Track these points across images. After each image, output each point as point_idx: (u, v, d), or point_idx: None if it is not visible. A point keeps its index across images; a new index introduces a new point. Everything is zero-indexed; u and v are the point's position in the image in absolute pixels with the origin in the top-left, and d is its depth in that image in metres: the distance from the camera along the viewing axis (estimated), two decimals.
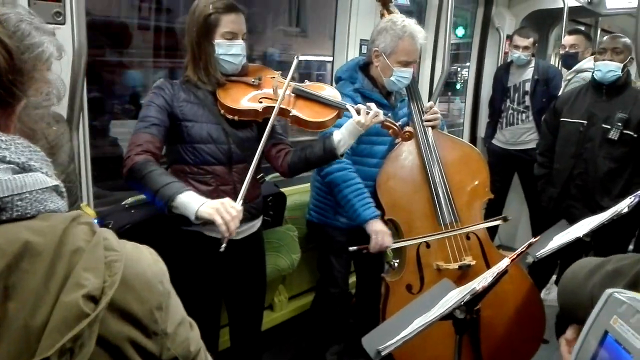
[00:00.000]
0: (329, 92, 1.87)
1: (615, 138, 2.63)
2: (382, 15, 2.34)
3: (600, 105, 2.72)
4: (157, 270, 0.66)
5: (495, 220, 2.20)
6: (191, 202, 1.48)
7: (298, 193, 2.57)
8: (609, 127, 2.65)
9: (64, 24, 1.69)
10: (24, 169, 0.59)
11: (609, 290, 0.70)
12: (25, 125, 0.69)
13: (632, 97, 2.67)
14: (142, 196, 2.08)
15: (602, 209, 2.66)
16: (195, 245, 1.79)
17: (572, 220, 2.63)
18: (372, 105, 1.79)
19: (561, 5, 3.88)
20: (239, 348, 2.07)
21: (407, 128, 1.89)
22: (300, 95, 1.80)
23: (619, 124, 2.62)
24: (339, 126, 1.82)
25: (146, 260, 0.65)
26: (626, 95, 2.68)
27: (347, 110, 1.80)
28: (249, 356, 2.08)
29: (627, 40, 2.73)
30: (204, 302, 1.86)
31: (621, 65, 2.64)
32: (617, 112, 2.64)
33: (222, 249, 1.46)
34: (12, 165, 0.58)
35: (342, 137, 1.79)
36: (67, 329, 0.53)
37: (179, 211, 1.50)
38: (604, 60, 2.67)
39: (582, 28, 5.15)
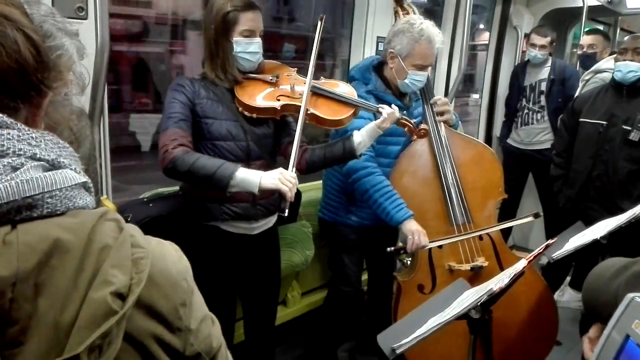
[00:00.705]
0: (345, 89, 1.89)
1: (636, 139, 2.59)
2: (395, 13, 2.32)
3: (620, 106, 2.69)
4: (181, 267, 0.66)
5: (527, 217, 2.17)
6: (250, 176, 1.59)
7: (313, 190, 2.58)
8: (629, 128, 2.62)
9: (86, 19, 1.71)
10: (53, 165, 0.60)
11: (630, 295, 0.71)
12: (51, 119, 0.70)
13: None
14: (160, 189, 2.12)
15: (622, 211, 2.63)
16: (213, 239, 1.81)
17: (590, 222, 2.61)
18: (389, 108, 1.82)
19: (580, 4, 3.83)
20: (253, 342, 2.09)
21: (422, 125, 1.89)
22: (317, 93, 1.82)
23: None
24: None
25: (171, 257, 0.66)
26: None
27: (366, 108, 1.83)
28: (263, 350, 2.10)
29: None
30: (220, 296, 1.88)
31: None
32: (638, 113, 2.61)
33: (285, 214, 1.58)
34: (42, 163, 0.58)
35: (362, 139, 1.83)
36: (96, 326, 0.53)
37: (239, 188, 1.60)
38: (624, 60, 2.64)
39: (601, 27, 5.10)
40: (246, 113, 1.75)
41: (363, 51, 2.83)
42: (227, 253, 1.83)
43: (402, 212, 2.04)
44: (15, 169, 0.56)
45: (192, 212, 1.80)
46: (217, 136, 1.73)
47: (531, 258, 1.36)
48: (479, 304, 1.26)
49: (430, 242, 2.06)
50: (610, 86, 2.77)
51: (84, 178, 0.62)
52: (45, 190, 0.57)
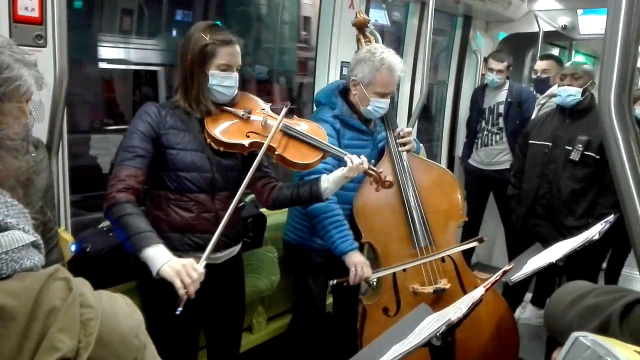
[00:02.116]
0: (315, 130, 1.89)
1: (577, 159, 2.75)
2: (358, 40, 2.38)
3: (564, 128, 2.84)
4: (133, 323, 0.65)
5: (471, 242, 2.23)
6: (156, 257, 1.51)
7: (278, 213, 2.57)
8: (570, 148, 2.77)
9: (45, 47, 1.69)
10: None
11: (574, 334, 0.73)
12: (2, 164, 0.68)
13: (594, 120, 2.77)
14: None
15: (567, 228, 2.76)
16: None
17: (539, 239, 2.72)
18: (357, 158, 1.83)
19: (536, 30, 4.00)
20: None
21: (388, 177, 1.91)
22: (288, 134, 1.82)
23: (580, 145, 2.73)
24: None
25: (122, 314, 0.65)
26: (589, 119, 2.79)
27: (335, 154, 1.85)
28: None
29: (586, 66, 2.87)
30: (182, 325, 1.85)
31: (580, 89, 2.76)
32: (578, 135, 2.75)
33: (177, 312, 1.46)
34: None
35: (328, 185, 1.86)
36: None
37: (144, 261, 1.53)
38: (563, 85, 2.80)
39: (557, 51, 5.31)
40: (214, 145, 1.74)
41: (327, 75, 2.87)
42: None
43: (346, 243, 2.07)
44: None
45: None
46: (181, 167, 1.72)
47: (488, 285, 1.39)
48: (437, 334, 1.28)
49: (373, 272, 2.09)
50: (557, 110, 2.93)
51: (32, 237, 0.61)
52: None
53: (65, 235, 1.63)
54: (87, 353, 0.56)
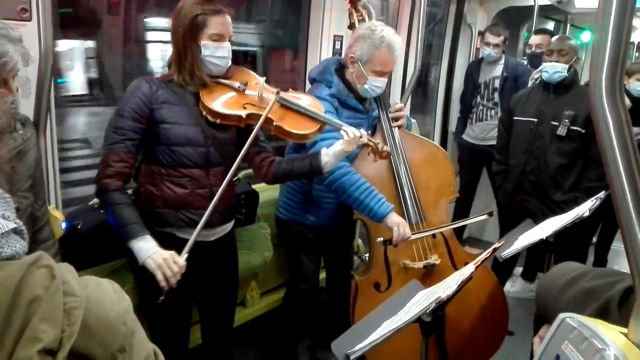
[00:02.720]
0: (311, 102, 1.88)
1: (563, 134, 2.76)
2: (350, 14, 2.33)
3: (549, 104, 2.84)
4: (120, 309, 0.64)
5: (482, 215, 2.22)
6: (142, 250, 1.61)
7: (271, 189, 2.57)
8: (557, 123, 2.78)
9: (30, 20, 1.64)
10: None
11: (562, 315, 0.74)
12: None
13: (580, 94, 2.79)
14: None
15: (555, 202, 2.79)
16: (167, 246, 1.78)
17: (528, 214, 2.76)
18: (357, 130, 1.83)
19: (532, 3, 3.95)
20: (210, 345, 2.08)
21: (385, 148, 1.90)
22: (285, 105, 1.80)
23: (566, 120, 2.74)
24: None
25: (109, 300, 0.64)
26: (573, 93, 2.80)
27: (333, 125, 1.84)
28: (221, 353, 2.10)
29: (572, 41, 2.84)
30: (175, 301, 1.86)
31: (567, 66, 2.75)
32: (564, 110, 2.76)
33: (159, 301, 1.57)
34: None
35: (328, 159, 1.85)
36: None
37: (132, 251, 1.64)
38: (550, 61, 2.78)
39: (552, 25, 5.25)
40: (210, 118, 1.72)
41: (320, 50, 2.82)
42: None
43: (384, 206, 2.05)
44: None
45: (146, 218, 1.76)
46: (175, 141, 1.70)
47: (478, 263, 1.41)
48: (427, 311, 1.30)
49: (413, 234, 2.09)
50: (540, 85, 2.92)
51: (12, 224, 0.60)
52: None
53: (56, 212, 1.63)
54: (71, 342, 0.55)
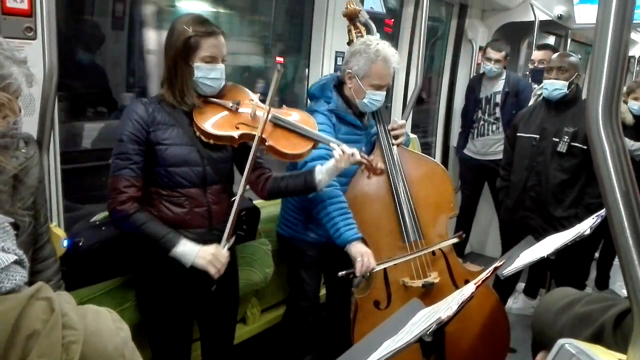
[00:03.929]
0: (305, 119, 1.89)
1: (564, 151, 2.76)
2: (349, 31, 2.35)
3: (550, 120, 2.85)
4: (118, 341, 0.64)
5: (452, 238, 2.25)
6: (186, 253, 1.69)
7: (272, 205, 2.58)
8: (558, 140, 2.79)
9: (35, 39, 1.66)
10: None
11: (560, 341, 0.74)
12: None
13: (580, 110, 2.79)
14: None
15: (556, 219, 2.79)
16: (167, 263, 1.78)
17: (529, 229, 2.75)
18: (347, 148, 1.86)
19: (532, 19, 3.98)
20: None
21: (380, 165, 1.91)
22: (277, 124, 1.81)
23: (566, 137, 2.75)
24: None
25: (107, 332, 0.63)
26: (575, 110, 2.80)
27: (326, 143, 1.86)
28: None
29: (572, 58, 2.85)
30: (176, 317, 1.86)
31: (567, 83, 2.76)
32: (564, 127, 2.76)
33: (213, 289, 1.73)
34: None
35: (322, 176, 1.87)
36: None
37: (176, 258, 1.70)
38: (550, 79, 2.79)
39: (553, 39, 5.28)
40: (203, 138, 1.73)
41: (322, 66, 2.85)
42: (183, 276, 1.80)
43: (352, 232, 2.03)
44: None
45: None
46: (172, 162, 1.71)
47: (479, 282, 1.40)
48: (428, 332, 1.29)
49: (377, 265, 2.06)
50: (543, 102, 2.93)
51: (13, 256, 0.59)
52: None
53: (57, 230, 1.63)
54: None
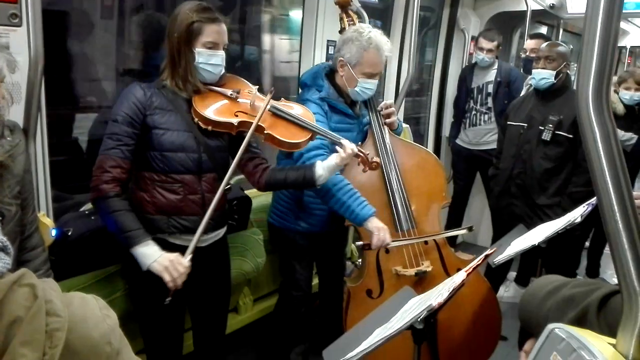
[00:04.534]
0: (303, 113, 1.90)
1: (548, 139, 2.78)
2: (341, 19, 2.33)
3: (538, 109, 2.87)
4: (104, 329, 0.62)
5: (460, 229, 2.27)
6: (146, 255, 1.63)
7: (263, 195, 2.57)
8: (543, 128, 2.80)
9: (20, 26, 1.64)
10: None
11: (550, 326, 0.74)
12: None
13: (568, 100, 2.80)
14: None
15: (539, 206, 2.81)
16: None
17: (514, 217, 2.76)
18: (349, 143, 1.87)
19: (524, 8, 3.97)
20: (203, 352, 2.07)
21: (375, 159, 1.92)
22: (276, 114, 1.82)
23: (550, 125, 2.76)
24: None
25: (93, 319, 0.62)
26: (562, 99, 2.81)
27: (323, 136, 1.87)
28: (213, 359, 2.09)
29: (561, 48, 2.85)
30: (168, 307, 1.85)
31: (554, 72, 2.76)
32: (550, 116, 2.78)
33: (166, 302, 1.62)
34: None
35: (323, 172, 1.87)
36: None
37: (135, 257, 1.65)
38: (537, 68, 2.80)
39: (545, 29, 5.28)
40: (201, 125, 1.73)
41: (313, 55, 2.83)
42: None
43: (366, 209, 2.02)
44: None
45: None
46: (168, 147, 1.70)
47: (470, 270, 1.41)
48: (419, 319, 1.29)
49: (393, 241, 2.07)
50: (533, 91, 2.95)
51: None
52: None
53: (45, 219, 1.61)
54: None
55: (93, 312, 0.63)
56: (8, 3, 1.61)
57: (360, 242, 2.09)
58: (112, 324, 0.64)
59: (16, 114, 1.57)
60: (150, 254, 1.63)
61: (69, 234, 1.77)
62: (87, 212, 1.88)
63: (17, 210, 1.38)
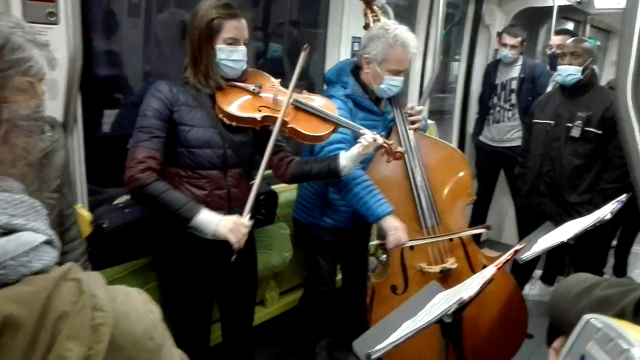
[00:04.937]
0: (325, 104, 1.90)
1: (577, 135, 2.76)
2: (365, 15, 2.33)
3: (565, 106, 2.84)
4: (147, 324, 0.62)
5: (479, 228, 2.26)
6: (206, 221, 1.65)
7: (290, 190, 2.59)
8: (571, 125, 2.78)
9: (57, 24, 1.68)
10: (5, 230, 0.55)
11: (586, 316, 0.74)
12: (15, 145, 0.66)
13: (595, 96, 2.78)
14: None
15: (570, 204, 2.78)
16: (189, 245, 1.81)
17: (544, 215, 2.74)
18: (370, 133, 1.85)
19: (551, 4, 3.92)
20: (230, 343, 2.11)
21: (399, 148, 1.91)
22: (299, 107, 1.83)
23: (579, 122, 2.74)
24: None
25: (136, 315, 0.61)
26: (589, 95, 2.79)
27: (350, 128, 1.88)
28: (241, 351, 2.12)
29: (586, 44, 2.83)
30: (196, 299, 1.90)
31: (580, 68, 2.74)
32: (578, 112, 2.75)
33: (232, 260, 1.65)
34: None
35: (346, 162, 1.87)
36: None
37: (196, 228, 1.67)
38: (563, 64, 2.78)
39: (572, 25, 5.20)
40: (226, 120, 1.75)
41: (339, 51, 2.84)
42: (203, 258, 1.84)
43: (383, 207, 2.01)
44: None
45: (168, 218, 1.80)
46: (194, 143, 1.73)
47: (500, 264, 1.41)
48: (449, 312, 1.30)
49: (410, 240, 2.06)
50: (559, 88, 2.92)
51: (43, 236, 0.58)
52: None
53: (83, 212, 1.66)
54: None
55: (136, 307, 0.62)
56: (45, 2, 1.66)
57: (376, 241, 2.09)
58: (155, 318, 0.64)
59: (51, 110, 1.62)
60: (211, 220, 1.65)
61: (104, 226, 1.82)
62: (120, 205, 1.93)
63: (56, 204, 1.43)
